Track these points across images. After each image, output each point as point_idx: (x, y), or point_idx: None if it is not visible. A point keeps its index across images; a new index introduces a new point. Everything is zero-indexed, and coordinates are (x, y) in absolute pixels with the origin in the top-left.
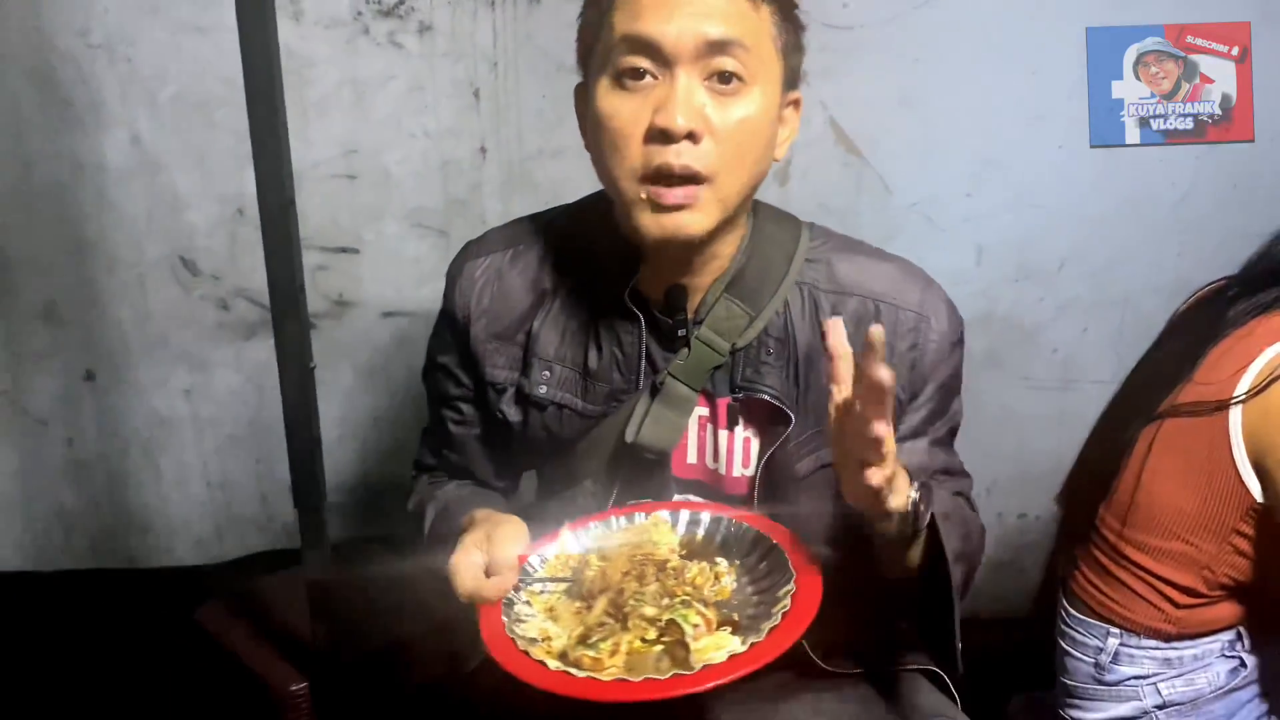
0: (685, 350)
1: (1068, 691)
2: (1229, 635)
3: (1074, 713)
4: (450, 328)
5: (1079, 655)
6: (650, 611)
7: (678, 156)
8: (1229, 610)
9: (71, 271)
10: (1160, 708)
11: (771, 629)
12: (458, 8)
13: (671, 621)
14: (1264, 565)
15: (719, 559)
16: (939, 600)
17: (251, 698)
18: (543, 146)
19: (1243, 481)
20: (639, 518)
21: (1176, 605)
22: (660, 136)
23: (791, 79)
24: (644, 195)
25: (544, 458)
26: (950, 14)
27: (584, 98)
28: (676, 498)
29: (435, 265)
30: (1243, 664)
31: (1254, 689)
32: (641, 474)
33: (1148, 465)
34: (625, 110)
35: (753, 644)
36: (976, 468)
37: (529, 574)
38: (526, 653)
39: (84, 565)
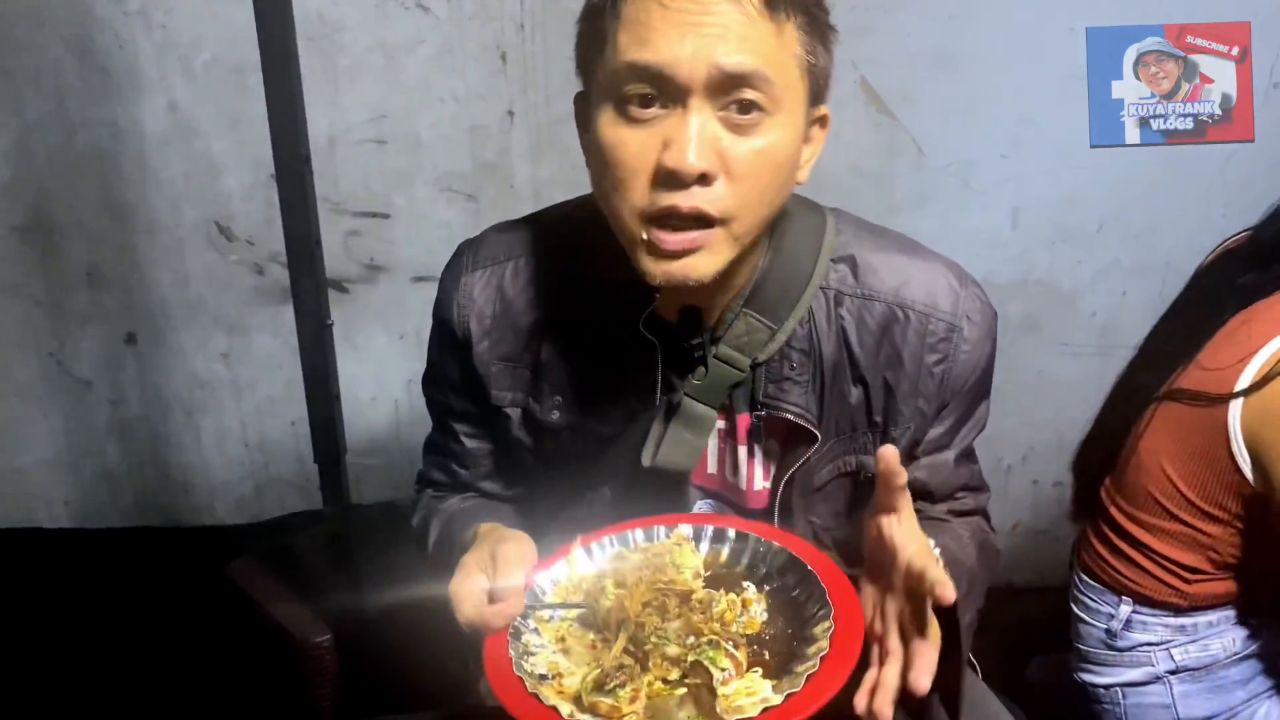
0: (702, 370)
1: (1080, 656)
2: (1244, 603)
3: (1087, 676)
4: (450, 343)
5: (1091, 621)
6: (674, 651)
7: (688, 199)
8: (1240, 584)
9: (112, 236)
10: (1173, 673)
11: (810, 675)
12: None
13: (697, 663)
14: (1265, 548)
15: (746, 584)
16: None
17: (278, 650)
18: (571, 110)
19: (1241, 472)
20: (659, 532)
21: (1187, 582)
22: (669, 178)
23: (818, 94)
24: (645, 237)
25: (556, 473)
26: None
27: (584, 111)
28: (699, 504)
29: (465, 229)
30: (1260, 630)
31: (1271, 654)
32: (661, 489)
33: (1147, 445)
34: (631, 144)
35: (789, 695)
36: (1013, 434)
37: (537, 598)
38: (536, 695)
39: (129, 524)
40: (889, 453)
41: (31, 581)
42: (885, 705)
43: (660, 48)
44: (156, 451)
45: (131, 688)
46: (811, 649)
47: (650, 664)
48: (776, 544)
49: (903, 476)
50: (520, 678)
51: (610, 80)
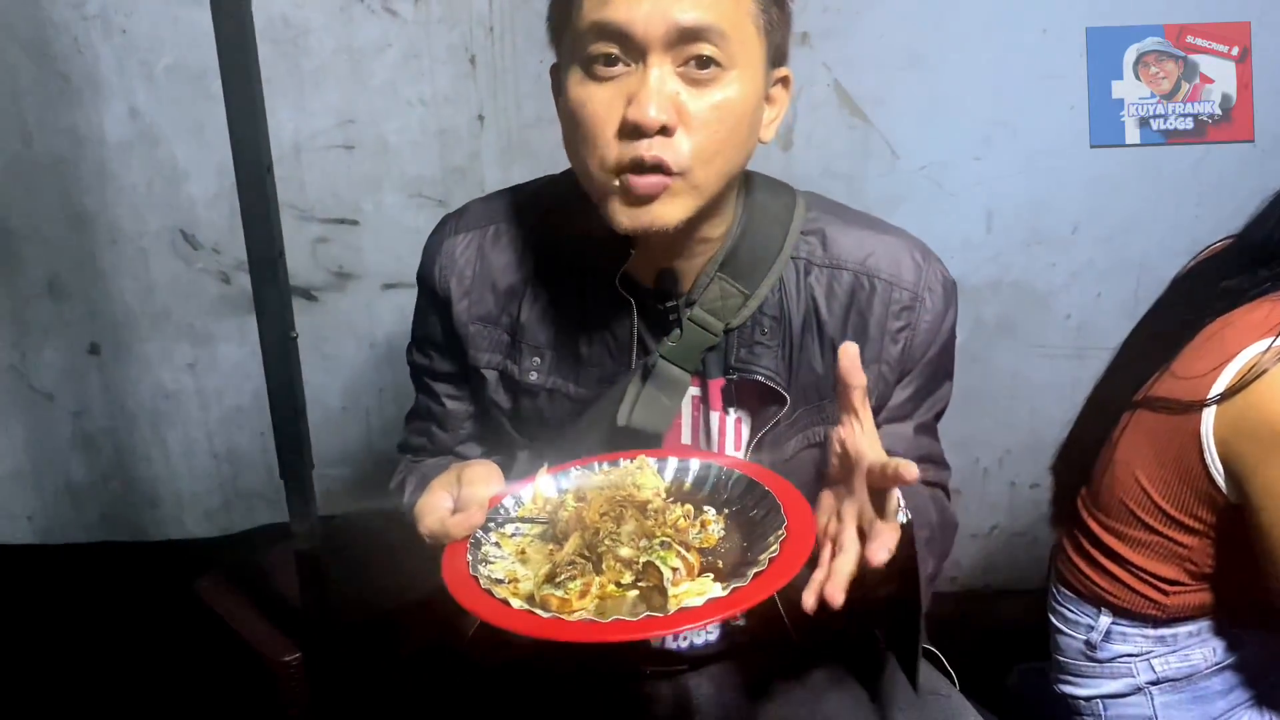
0: (677, 332)
1: (1060, 667)
2: (1224, 612)
3: (1067, 688)
4: (431, 306)
5: (1070, 632)
6: (626, 553)
7: (649, 149)
8: (1219, 594)
9: (74, 245)
10: (1154, 684)
11: (756, 574)
12: None
13: (649, 564)
14: (1240, 559)
15: (707, 507)
16: (907, 614)
17: (248, 668)
18: (541, 113)
19: (1215, 482)
20: (624, 463)
21: (1164, 593)
22: (633, 131)
23: (778, 57)
24: (616, 184)
25: (535, 439)
26: None
27: (558, 80)
28: None
29: None
30: (1240, 639)
31: (1253, 662)
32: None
33: (1121, 455)
34: (596, 101)
35: (735, 588)
36: (989, 436)
37: (501, 516)
38: (490, 592)
39: (94, 539)
40: (849, 350)
41: None
42: (836, 591)
43: (619, 6)
44: (122, 464)
45: (97, 707)
46: (764, 555)
47: (604, 566)
48: (738, 471)
49: (861, 376)
50: (474, 577)
51: (577, 42)
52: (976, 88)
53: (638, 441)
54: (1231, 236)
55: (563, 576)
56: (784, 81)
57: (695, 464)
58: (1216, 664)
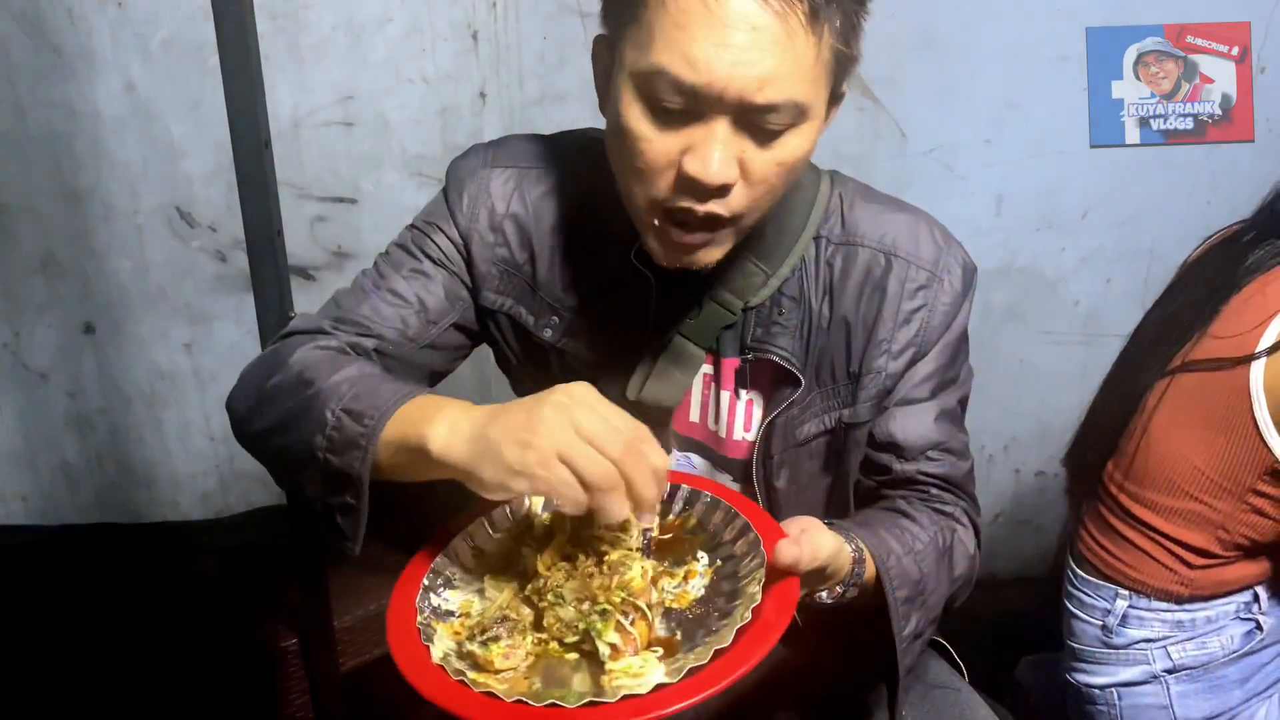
0: (696, 309)
1: (1074, 655)
2: (1245, 597)
3: (1080, 677)
4: (451, 220)
5: (1086, 617)
6: (568, 614)
7: (703, 206)
8: (1245, 571)
9: (68, 222)
10: (1170, 672)
11: (718, 653)
12: None
13: (588, 632)
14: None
15: (701, 554)
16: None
17: (246, 651)
18: (544, 91)
19: (1263, 440)
20: None
21: (1190, 566)
22: (689, 184)
23: (843, 79)
24: (658, 224)
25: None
26: None
27: (604, 58)
28: (676, 454)
29: None
30: (1259, 627)
31: (1270, 653)
32: None
33: (1159, 422)
34: (655, 143)
35: (690, 671)
36: (995, 423)
37: (494, 527)
38: (423, 630)
39: (88, 520)
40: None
41: None
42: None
43: (698, 66)
44: (117, 445)
45: (92, 688)
46: (728, 624)
47: (545, 623)
48: (742, 517)
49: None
50: (417, 607)
51: (641, 72)
52: (988, 70)
53: (647, 416)
54: (1240, 222)
55: (489, 635)
56: (838, 99)
57: (706, 499)
58: (1234, 653)
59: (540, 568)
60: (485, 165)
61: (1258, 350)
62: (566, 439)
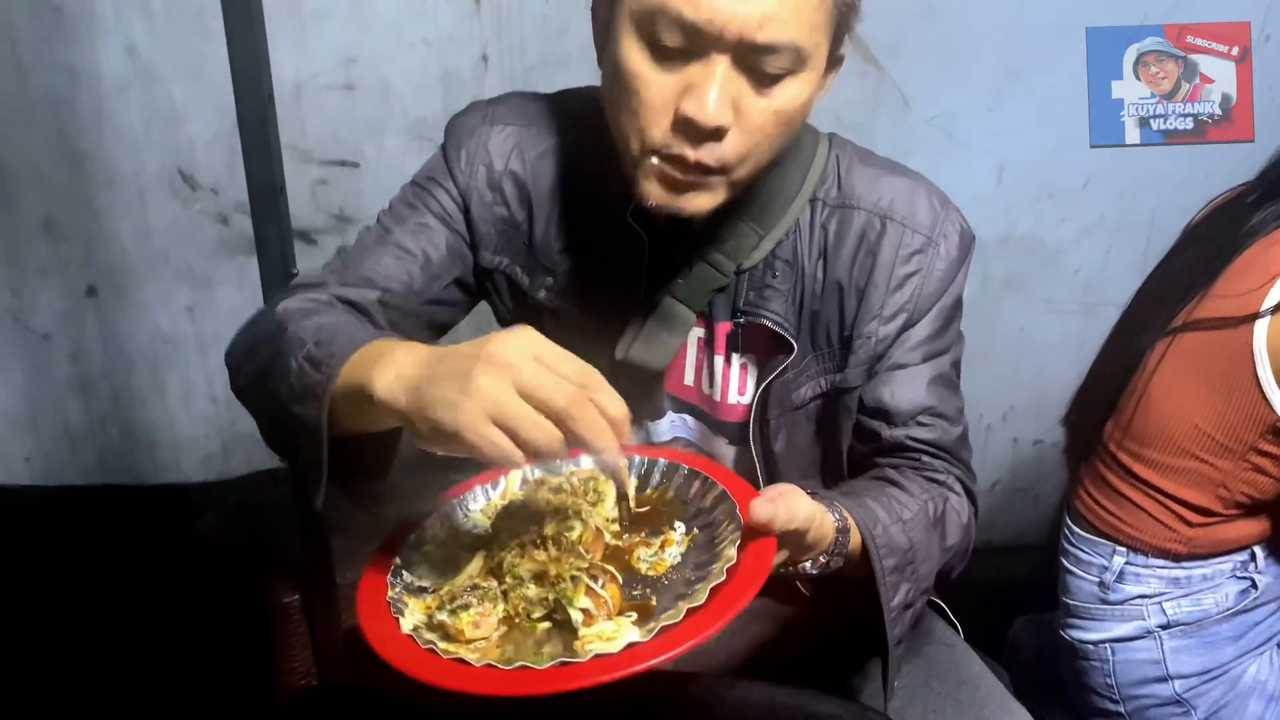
0: (687, 269)
1: (1069, 611)
2: (1242, 556)
3: (1075, 633)
4: (450, 178)
5: (1082, 574)
6: (532, 593)
7: (695, 153)
8: (1243, 529)
9: (70, 185)
10: (1164, 627)
11: (692, 610)
12: None
13: (559, 601)
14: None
15: (678, 523)
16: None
17: (247, 609)
18: (546, 55)
19: (1265, 399)
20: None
21: (1189, 524)
22: (686, 124)
23: (843, 34)
24: (654, 163)
25: None
26: None
27: (605, 6)
28: (670, 415)
29: None
30: (1254, 585)
31: (1264, 611)
32: (634, 389)
33: (1160, 381)
34: (653, 83)
35: (663, 629)
36: (993, 392)
37: (466, 508)
38: (393, 604)
39: (91, 481)
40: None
41: None
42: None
43: (699, 2)
44: (119, 408)
45: (94, 648)
46: (703, 585)
47: (510, 601)
48: (722, 486)
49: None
50: (388, 582)
51: (642, 9)
52: (991, 37)
53: (635, 378)
54: (1244, 184)
55: (458, 603)
56: (838, 63)
57: (684, 472)
58: (1228, 610)
59: (495, 548)
60: (484, 123)
61: (1261, 310)
62: (501, 398)
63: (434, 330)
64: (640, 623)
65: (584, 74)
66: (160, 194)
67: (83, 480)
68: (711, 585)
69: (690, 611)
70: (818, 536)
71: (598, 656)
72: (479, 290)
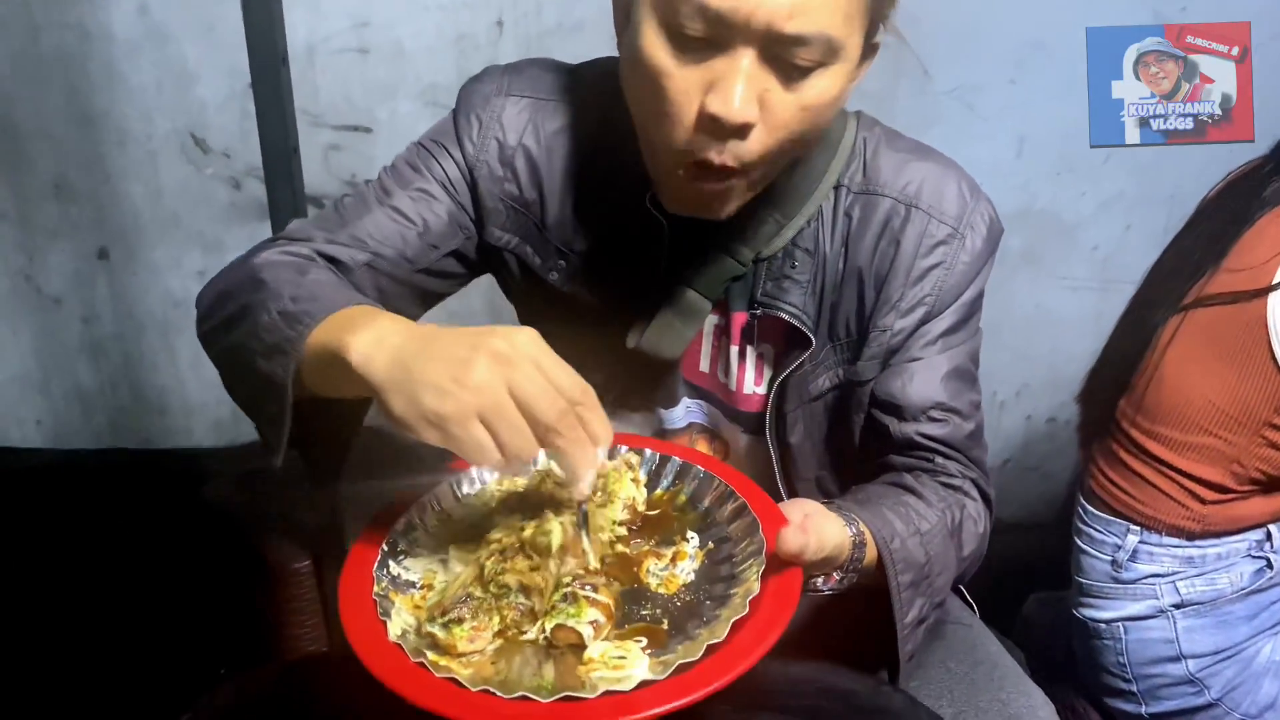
0: (703, 258)
1: (1082, 590)
2: (1257, 535)
3: (1088, 612)
4: (459, 146)
5: (1096, 553)
6: (522, 602)
7: (719, 155)
8: (1258, 507)
9: (81, 145)
10: (1177, 607)
11: (711, 649)
12: None
13: (560, 628)
14: None
15: (691, 534)
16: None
17: (256, 576)
18: (562, 20)
19: None
20: (621, 451)
21: (1203, 501)
22: (710, 122)
23: (878, 23)
24: (680, 173)
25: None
26: None
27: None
28: (685, 402)
29: None
30: (1269, 565)
31: (1279, 591)
32: (647, 376)
33: (1172, 357)
34: (676, 77)
35: (678, 668)
36: (1007, 369)
37: (471, 484)
38: (379, 602)
39: (102, 444)
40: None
41: (2, 501)
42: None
43: None
44: (130, 371)
45: (103, 612)
46: (724, 611)
47: (501, 613)
48: (737, 494)
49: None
50: (375, 576)
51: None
52: (1012, 8)
53: (648, 366)
54: (1257, 159)
55: (450, 617)
56: (872, 50)
57: (699, 475)
58: (1242, 590)
59: (483, 554)
60: (499, 93)
61: (1274, 283)
62: (494, 398)
63: (422, 302)
64: (651, 649)
65: (600, 39)
66: (172, 156)
67: (93, 444)
68: (734, 619)
69: (710, 649)
70: (835, 554)
71: (608, 693)
72: (480, 265)
